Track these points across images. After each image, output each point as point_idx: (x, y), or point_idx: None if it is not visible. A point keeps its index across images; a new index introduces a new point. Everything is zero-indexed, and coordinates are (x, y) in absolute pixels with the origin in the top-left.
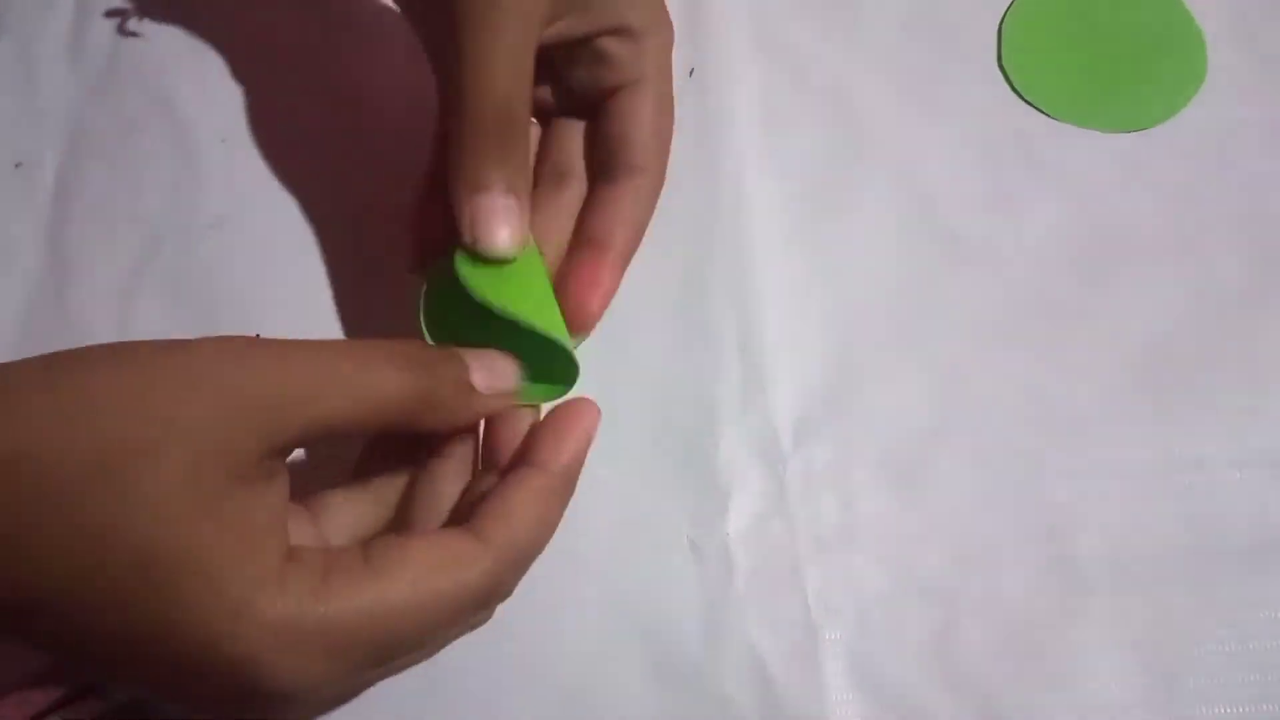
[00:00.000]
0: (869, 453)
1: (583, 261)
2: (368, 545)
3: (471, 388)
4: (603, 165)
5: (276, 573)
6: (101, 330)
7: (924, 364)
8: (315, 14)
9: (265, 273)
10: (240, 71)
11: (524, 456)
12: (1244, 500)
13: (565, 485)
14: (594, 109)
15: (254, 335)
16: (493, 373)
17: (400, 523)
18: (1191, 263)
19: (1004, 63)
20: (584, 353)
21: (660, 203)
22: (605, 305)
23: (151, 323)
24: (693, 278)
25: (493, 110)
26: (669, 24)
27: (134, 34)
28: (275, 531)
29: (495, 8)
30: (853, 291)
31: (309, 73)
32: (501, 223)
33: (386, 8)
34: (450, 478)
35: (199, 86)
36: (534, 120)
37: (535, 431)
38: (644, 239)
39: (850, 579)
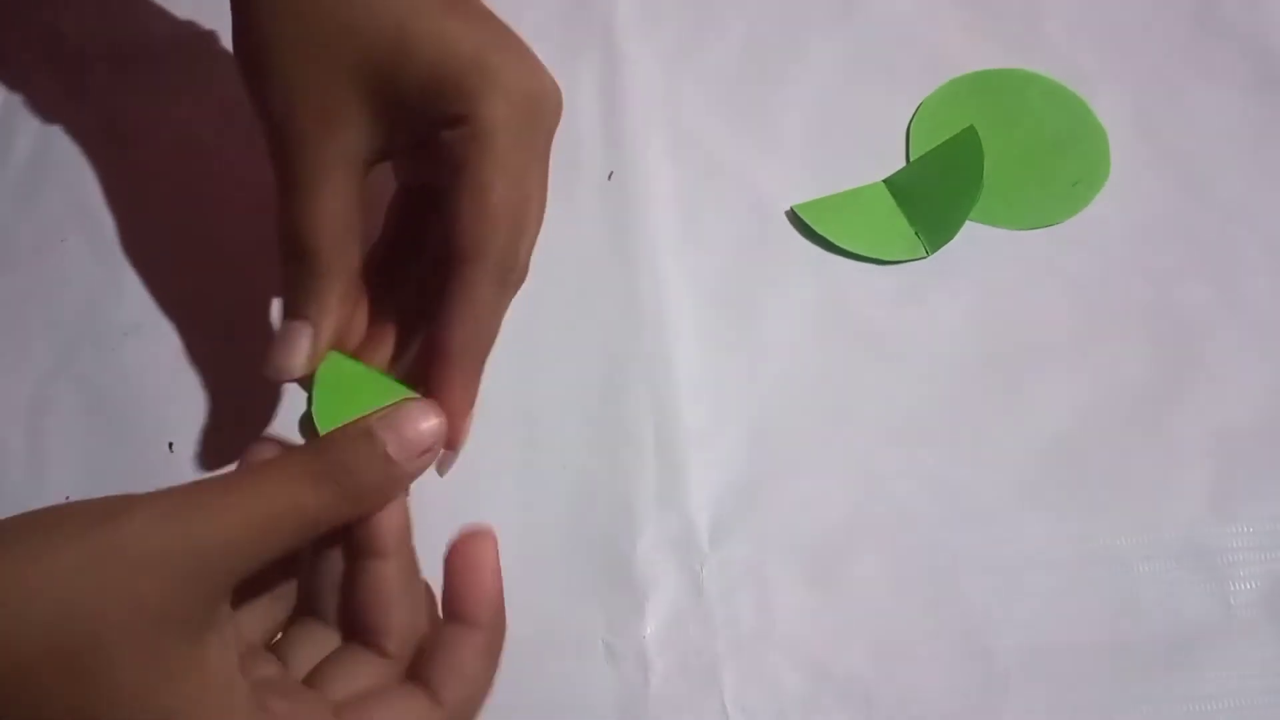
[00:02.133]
0: (786, 549)
1: (432, 382)
2: (338, 710)
3: (391, 462)
4: (444, 255)
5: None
6: (14, 439)
7: (839, 460)
8: (235, 122)
9: (181, 379)
10: (163, 176)
11: (451, 612)
12: (1157, 592)
13: (500, 633)
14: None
15: (166, 444)
16: (403, 439)
17: (303, 610)
18: (1099, 356)
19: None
20: (501, 453)
21: (580, 301)
22: (463, 422)
23: (66, 432)
24: (610, 376)
25: (288, 246)
26: (524, 81)
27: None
28: (234, 683)
29: (287, 158)
30: (768, 388)
31: (229, 181)
32: (285, 348)
33: None
34: (336, 560)
35: (119, 194)
36: None
37: (451, 583)
38: (564, 335)
39: (767, 680)
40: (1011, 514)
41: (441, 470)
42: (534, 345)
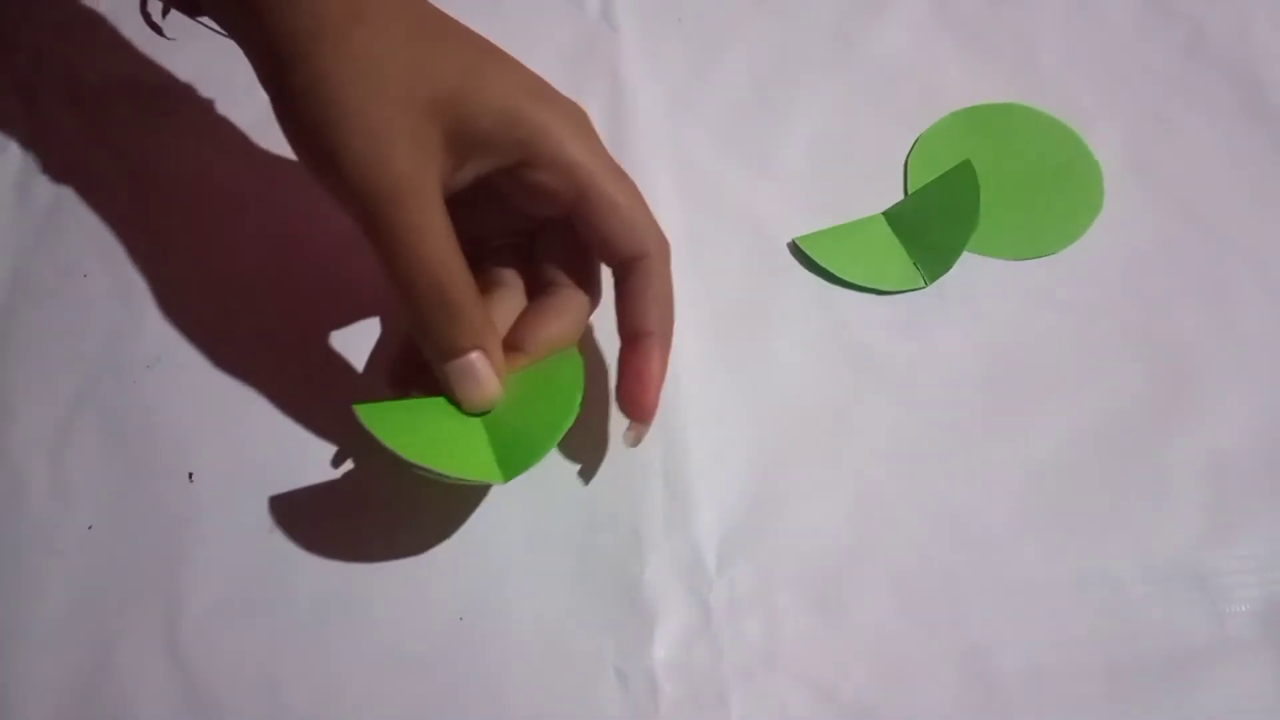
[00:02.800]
0: (791, 573)
1: (627, 358)
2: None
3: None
4: (611, 263)
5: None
6: (38, 469)
7: (842, 484)
8: (252, 160)
9: (201, 411)
10: (181, 212)
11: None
12: (1153, 614)
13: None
14: (562, 225)
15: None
16: None
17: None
18: (1095, 382)
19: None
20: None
21: (588, 330)
22: (657, 392)
23: (88, 463)
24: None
25: (428, 287)
26: (565, 103)
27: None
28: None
29: (387, 197)
30: (772, 413)
31: (247, 216)
32: (475, 378)
33: None
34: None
35: (139, 230)
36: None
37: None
38: None
39: (775, 703)
40: (1010, 538)
41: (633, 441)
42: None
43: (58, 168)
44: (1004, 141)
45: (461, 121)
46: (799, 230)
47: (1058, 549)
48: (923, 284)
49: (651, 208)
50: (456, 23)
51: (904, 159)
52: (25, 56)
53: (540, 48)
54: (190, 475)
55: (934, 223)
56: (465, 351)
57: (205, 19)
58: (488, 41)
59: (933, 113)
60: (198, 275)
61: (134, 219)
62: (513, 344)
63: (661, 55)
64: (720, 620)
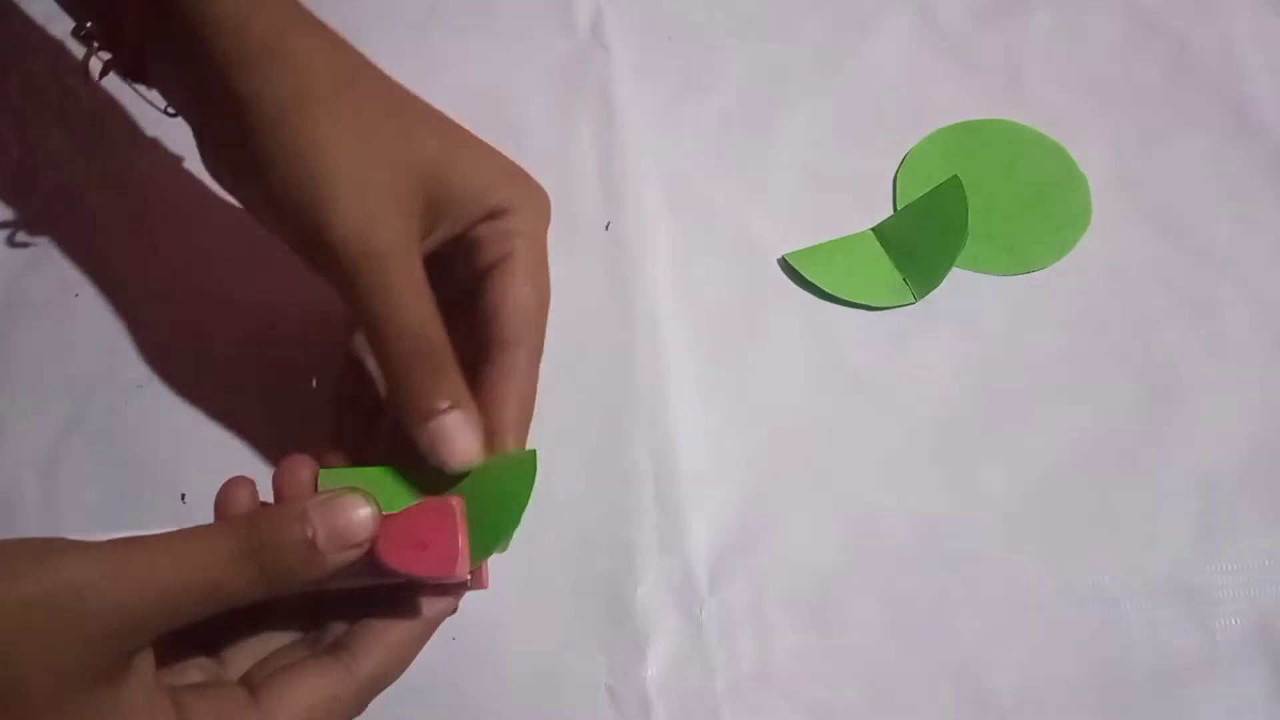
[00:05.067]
0: (783, 592)
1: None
2: (255, 687)
3: (318, 552)
4: (483, 344)
5: None
6: (30, 490)
7: (832, 501)
8: None
9: (193, 431)
10: (173, 232)
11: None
12: (1143, 630)
13: (433, 629)
14: (471, 291)
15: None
16: (334, 529)
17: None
18: (1084, 398)
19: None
20: None
21: (578, 350)
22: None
23: (79, 484)
24: (609, 423)
25: (413, 345)
26: (537, 190)
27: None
28: (158, 708)
29: (377, 255)
30: (764, 433)
31: (238, 236)
32: (459, 437)
33: None
34: None
35: (130, 249)
36: None
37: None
38: (564, 383)
39: None
40: (1001, 554)
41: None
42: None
43: (48, 187)
44: (992, 157)
45: (440, 189)
46: (789, 247)
47: (1048, 565)
48: (912, 299)
49: (642, 224)
50: (431, 105)
51: (893, 175)
52: (17, 80)
53: (532, 66)
54: (183, 496)
55: (923, 238)
56: (445, 411)
57: (142, 88)
58: (462, 125)
59: (921, 129)
60: (188, 296)
61: (124, 241)
62: (488, 407)
63: (652, 73)
64: (712, 638)
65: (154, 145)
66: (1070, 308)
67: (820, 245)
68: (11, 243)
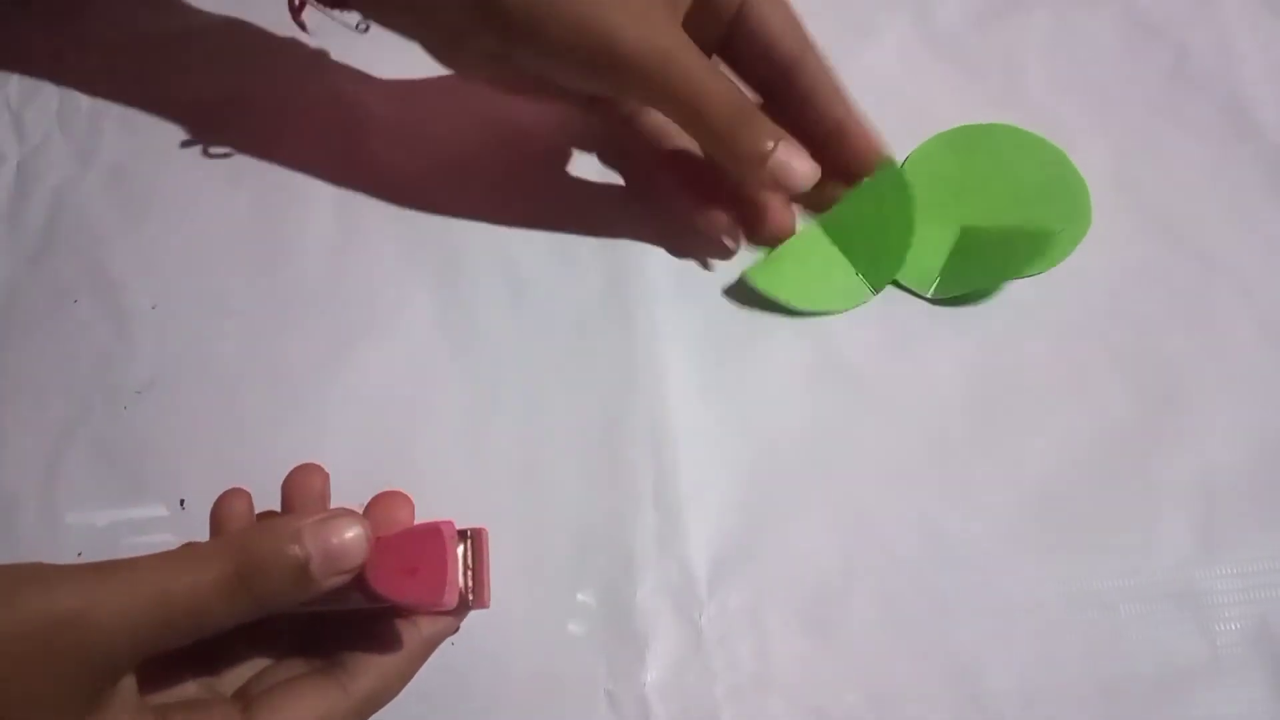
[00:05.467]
0: (782, 596)
1: (845, 143)
2: (249, 702)
3: (310, 576)
4: (776, 72)
5: None
6: (29, 496)
7: (832, 506)
8: (242, 185)
9: (193, 437)
10: (172, 238)
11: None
12: (1144, 633)
13: (432, 648)
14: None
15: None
16: (327, 554)
17: None
18: (1083, 402)
19: None
20: (502, 504)
21: (578, 353)
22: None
23: (79, 490)
24: (609, 428)
25: (729, 111)
26: None
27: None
28: None
29: (673, 54)
30: (762, 436)
31: (237, 241)
32: (795, 161)
33: (310, 181)
34: None
35: (129, 255)
36: None
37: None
38: (563, 388)
39: None
40: (1000, 558)
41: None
42: (534, 398)
43: (48, 193)
44: (990, 161)
45: None
46: None
47: (1047, 569)
48: (871, 294)
49: (641, 228)
50: None
51: None
52: (16, 85)
53: None
54: (182, 502)
55: (872, 227)
56: (773, 149)
57: (337, 12)
58: None
59: (919, 131)
60: (188, 301)
61: (124, 245)
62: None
63: None
64: (711, 642)
65: (154, 150)
66: (1069, 311)
67: (773, 255)
68: (10, 248)
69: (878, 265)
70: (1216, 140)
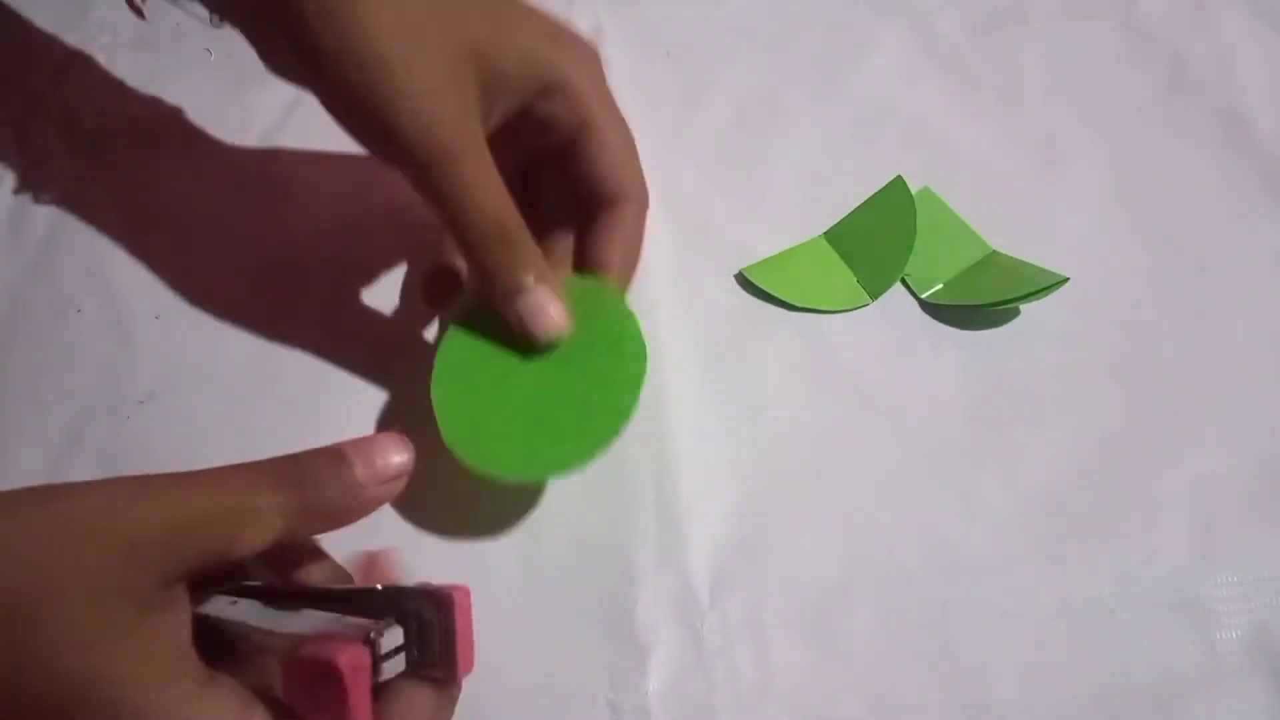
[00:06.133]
0: (783, 604)
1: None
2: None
3: (357, 483)
4: (586, 204)
5: (194, 696)
6: None
7: (832, 514)
8: (245, 195)
9: (194, 446)
10: (174, 248)
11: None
12: (1143, 641)
13: (457, 693)
14: (557, 158)
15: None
16: (372, 465)
17: None
18: (1082, 409)
19: None
20: (504, 514)
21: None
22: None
23: None
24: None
25: (493, 230)
26: (583, 46)
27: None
28: (184, 656)
29: (446, 154)
30: (762, 445)
31: (239, 253)
32: (550, 307)
33: (314, 184)
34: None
35: (131, 266)
36: None
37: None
38: None
39: None
40: (1000, 566)
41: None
42: None
43: (51, 205)
44: None
45: (490, 68)
46: None
47: (1047, 577)
48: (867, 301)
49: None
50: None
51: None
52: (19, 97)
53: None
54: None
55: (875, 240)
56: (531, 287)
57: (185, 2)
58: None
59: (917, 144)
60: (191, 311)
61: (127, 256)
62: (595, 263)
63: (651, 87)
64: (713, 652)
65: (158, 161)
66: (1069, 320)
67: (775, 256)
68: (13, 258)
69: (877, 274)
70: (1214, 151)
